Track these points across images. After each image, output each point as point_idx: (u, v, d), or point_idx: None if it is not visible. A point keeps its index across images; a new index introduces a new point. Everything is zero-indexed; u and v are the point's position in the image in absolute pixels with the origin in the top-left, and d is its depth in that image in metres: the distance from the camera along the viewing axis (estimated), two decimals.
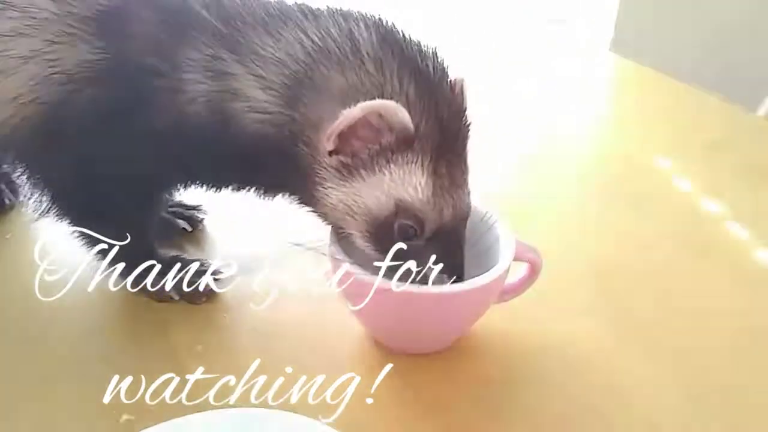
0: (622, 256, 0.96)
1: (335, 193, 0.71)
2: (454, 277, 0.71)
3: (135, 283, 0.81)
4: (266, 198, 0.79)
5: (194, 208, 0.98)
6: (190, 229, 0.96)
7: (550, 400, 0.74)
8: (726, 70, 1.75)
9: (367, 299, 0.70)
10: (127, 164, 0.75)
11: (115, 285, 0.82)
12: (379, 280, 0.69)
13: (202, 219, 0.98)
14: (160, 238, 0.91)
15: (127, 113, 0.72)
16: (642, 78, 1.51)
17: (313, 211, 0.75)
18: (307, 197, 0.74)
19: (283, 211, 0.92)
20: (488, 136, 1.12)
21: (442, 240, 0.71)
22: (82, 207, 0.81)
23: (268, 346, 0.78)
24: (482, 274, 0.72)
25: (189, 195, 0.97)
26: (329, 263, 0.75)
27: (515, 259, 0.75)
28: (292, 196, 0.77)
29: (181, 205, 0.98)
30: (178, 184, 0.84)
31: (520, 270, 0.79)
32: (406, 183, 0.69)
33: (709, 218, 1.05)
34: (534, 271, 0.78)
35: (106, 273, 0.82)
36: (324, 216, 0.74)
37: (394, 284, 0.69)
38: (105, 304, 0.84)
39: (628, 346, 0.80)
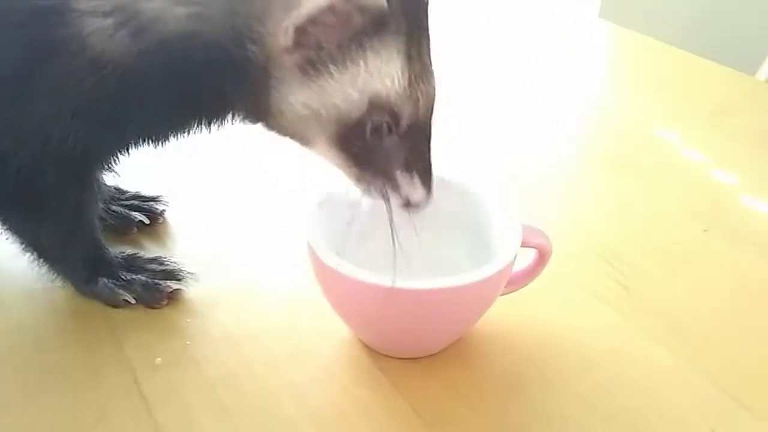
0: (632, 233, 0.88)
1: (297, 97, 0.59)
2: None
3: (84, 286, 0.74)
4: (211, 130, 0.67)
5: (153, 199, 0.88)
6: (147, 221, 0.85)
7: (565, 403, 0.65)
8: (719, 34, 1.68)
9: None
10: (39, 133, 0.62)
11: (62, 288, 0.74)
12: (361, 274, 0.60)
13: (163, 211, 0.87)
14: (114, 233, 0.82)
15: (26, 70, 0.60)
16: (636, 45, 1.43)
17: (265, 125, 0.64)
18: (259, 108, 0.62)
19: (255, 201, 0.84)
20: (482, 113, 1.04)
21: (414, 136, 0.62)
22: (2, 199, 0.69)
23: (240, 355, 0.69)
24: (481, 263, 0.62)
25: (147, 186, 0.88)
26: (309, 255, 0.65)
27: (522, 244, 0.65)
28: (239, 113, 0.65)
29: (138, 196, 0.88)
30: (109, 152, 0.70)
31: (526, 257, 0.69)
32: (382, 73, 0.58)
33: (719, 188, 0.98)
34: (543, 258, 0.69)
35: (49, 275, 0.74)
36: (280, 128, 0.63)
37: (380, 278, 0.60)
38: (49, 310, 0.74)
39: (647, 336, 0.72)
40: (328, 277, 0.64)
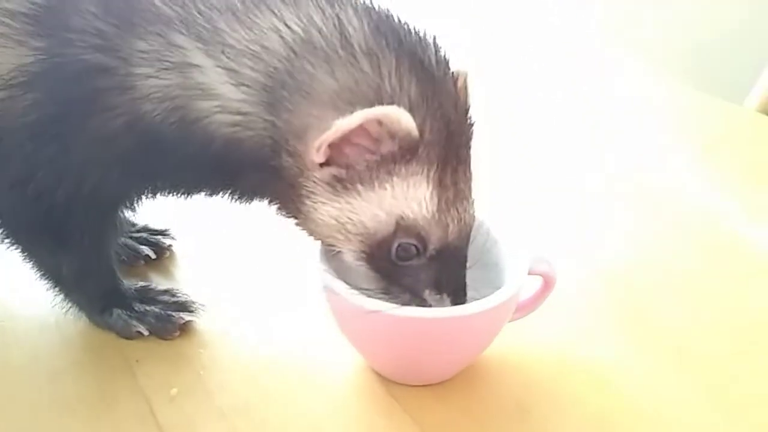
0: (635, 262, 0.89)
1: (326, 208, 0.62)
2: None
3: (98, 317, 0.74)
4: (243, 202, 0.69)
5: (161, 232, 0.89)
6: (154, 256, 0.86)
7: (575, 429, 0.66)
8: (705, 66, 1.71)
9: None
10: (76, 177, 0.65)
11: (75, 320, 0.75)
12: (372, 303, 0.62)
13: (170, 245, 0.88)
14: (123, 266, 0.82)
15: (73, 119, 0.63)
16: (632, 75, 1.45)
17: (297, 225, 0.66)
18: (292, 210, 0.65)
19: (263, 232, 0.84)
20: (486, 142, 1.06)
21: (445, 259, 0.63)
22: (30, 230, 0.71)
23: (254, 385, 0.69)
24: (489, 292, 0.64)
25: (156, 219, 0.89)
26: (321, 284, 0.66)
27: (527, 272, 0.67)
28: (272, 204, 0.67)
29: (146, 229, 0.89)
30: (138, 196, 0.73)
31: (533, 284, 0.71)
32: (409, 198, 0.60)
33: (718, 218, 0.99)
34: (548, 285, 0.70)
35: (63, 306, 0.75)
36: (310, 231, 0.65)
37: (391, 307, 0.61)
38: (63, 343, 0.74)
39: (654, 362, 0.73)
40: (341, 308, 0.65)
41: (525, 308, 0.71)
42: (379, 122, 0.57)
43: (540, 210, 0.98)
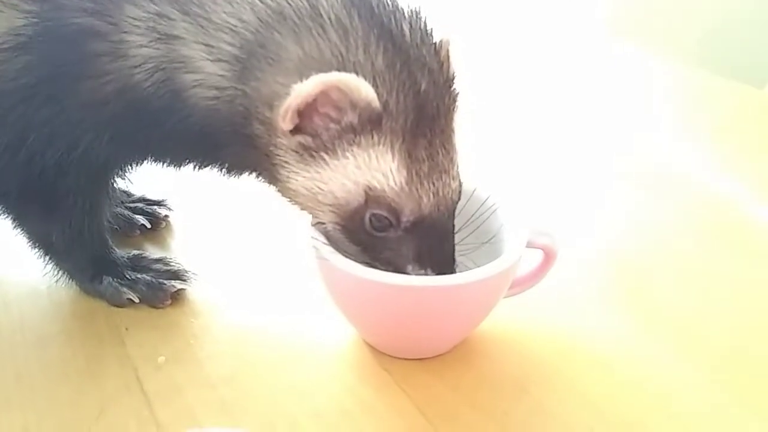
0: (639, 241, 0.88)
1: (298, 178, 0.61)
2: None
3: (88, 285, 0.74)
4: (232, 176, 0.69)
5: (157, 202, 0.88)
6: (149, 226, 0.85)
7: (569, 406, 0.64)
8: (725, 50, 1.68)
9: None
10: (67, 141, 0.65)
11: (65, 287, 0.75)
12: (365, 272, 0.60)
13: (166, 215, 0.87)
14: (118, 235, 0.82)
15: (65, 82, 0.62)
16: (641, 59, 1.43)
17: (281, 195, 0.66)
18: (272, 181, 0.65)
19: (258, 205, 0.84)
20: (489, 120, 1.05)
21: (424, 232, 0.62)
22: (21, 196, 0.70)
23: (244, 356, 0.68)
24: (484, 263, 0.62)
25: (152, 189, 0.88)
26: (313, 253, 0.65)
27: (527, 245, 0.65)
28: (258, 177, 0.67)
29: (142, 199, 0.88)
30: (128, 163, 0.73)
31: (533, 258, 0.69)
32: (373, 168, 0.59)
33: (724, 200, 0.97)
34: (549, 259, 0.68)
35: (54, 273, 0.75)
36: (290, 200, 0.65)
37: (384, 276, 0.60)
38: (51, 309, 0.74)
39: (654, 341, 0.71)
40: (332, 277, 0.64)
41: (524, 283, 0.69)
42: (340, 90, 0.56)
43: (545, 186, 0.97)
